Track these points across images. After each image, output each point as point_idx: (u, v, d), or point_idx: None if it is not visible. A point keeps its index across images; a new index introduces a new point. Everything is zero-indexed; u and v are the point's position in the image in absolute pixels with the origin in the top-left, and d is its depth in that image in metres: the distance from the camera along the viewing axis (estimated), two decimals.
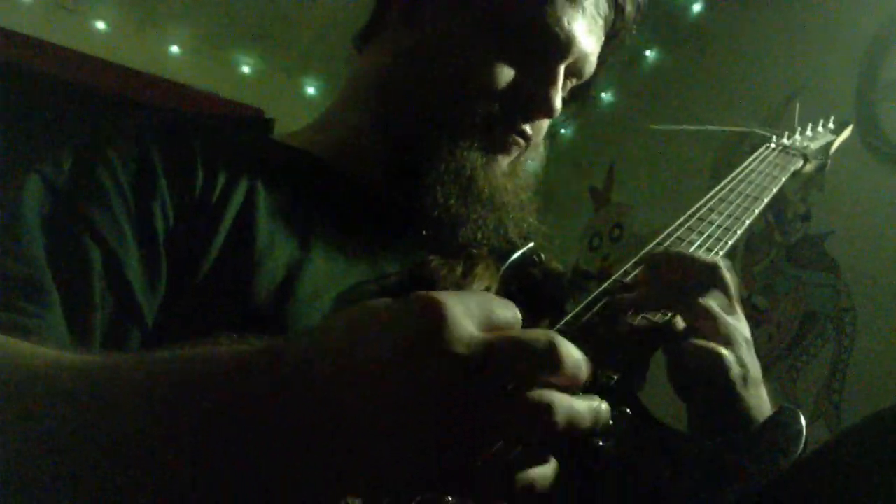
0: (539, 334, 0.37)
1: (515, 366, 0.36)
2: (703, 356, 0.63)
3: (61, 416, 0.41)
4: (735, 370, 0.64)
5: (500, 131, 0.77)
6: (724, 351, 0.63)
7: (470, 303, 0.38)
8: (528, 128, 0.78)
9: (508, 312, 0.39)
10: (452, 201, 0.74)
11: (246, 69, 2.86)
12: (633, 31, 0.83)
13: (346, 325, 0.38)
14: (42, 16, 2.55)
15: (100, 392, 0.41)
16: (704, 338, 0.64)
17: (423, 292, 0.38)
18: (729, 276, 0.68)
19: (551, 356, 0.37)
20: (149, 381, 0.41)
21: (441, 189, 0.74)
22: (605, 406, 0.40)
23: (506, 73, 0.75)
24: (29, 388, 0.43)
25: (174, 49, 2.75)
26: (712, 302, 0.65)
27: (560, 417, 0.36)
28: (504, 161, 0.79)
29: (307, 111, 2.83)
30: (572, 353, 0.38)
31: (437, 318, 0.36)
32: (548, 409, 0.36)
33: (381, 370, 0.36)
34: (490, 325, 0.38)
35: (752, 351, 0.67)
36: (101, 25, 2.65)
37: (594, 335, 0.60)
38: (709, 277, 0.67)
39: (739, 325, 0.66)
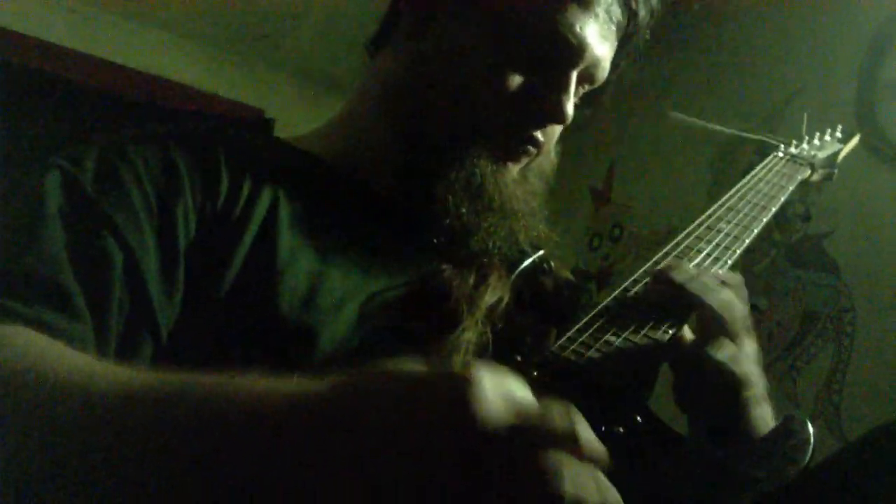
0: (557, 413, 0.38)
1: (535, 442, 0.37)
2: (717, 374, 0.63)
3: (100, 436, 0.41)
4: (746, 390, 0.65)
5: (510, 139, 0.76)
6: (737, 370, 0.64)
7: (495, 377, 0.38)
8: (539, 135, 0.77)
9: (524, 392, 0.40)
10: (464, 210, 0.74)
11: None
12: (647, 36, 0.82)
13: (382, 390, 0.39)
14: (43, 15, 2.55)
15: (142, 418, 0.42)
16: (716, 354, 0.64)
17: (458, 368, 0.39)
18: (743, 293, 0.69)
19: (568, 436, 0.38)
20: (194, 412, 0.41)
21: (452, 198, 0.74)
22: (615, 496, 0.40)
23: (516, 80, 0.74)
24: (68, 405, 0.43)
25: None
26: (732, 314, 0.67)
27: (568, 488, 0.36)
28: (514, 168, 0.78)
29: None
30: (587, 432, 0.38)
31: (468, 386, 0.37)
32: (559, 478, 0.36)
33: (412, 430, 0.37)
34: (510, 402, 0.38)
35: (761, 368, 0.68)
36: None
37: (597, 354, 0.61)
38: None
39: (751, 342, 0.67)
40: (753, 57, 2.24)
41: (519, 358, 0.56)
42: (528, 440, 0.37)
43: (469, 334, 0.66)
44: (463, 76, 0.75)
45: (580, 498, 0.37)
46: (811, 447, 0.55)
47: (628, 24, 0.78)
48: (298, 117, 2.69)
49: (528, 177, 0.80)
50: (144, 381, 0.44)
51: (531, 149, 0.78)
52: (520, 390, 0.40)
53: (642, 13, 0.79)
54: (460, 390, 0.37)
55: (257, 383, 0.42)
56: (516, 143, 0.77)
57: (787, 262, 1.96)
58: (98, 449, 0.41)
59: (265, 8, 2.66)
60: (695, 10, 2.45)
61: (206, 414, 0.41)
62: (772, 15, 2.22)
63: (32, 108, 2.30)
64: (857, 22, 1.97)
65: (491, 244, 0.75)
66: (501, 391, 0.38)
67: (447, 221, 0.74)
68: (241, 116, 2.70)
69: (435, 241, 0.75)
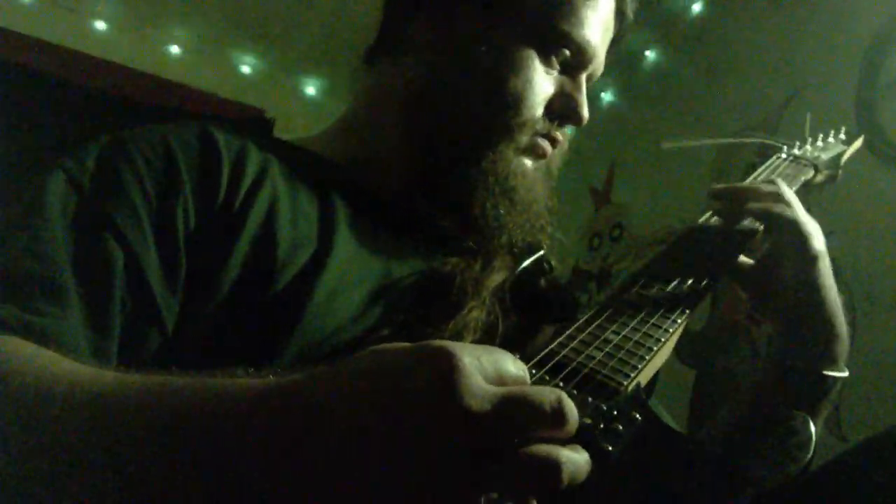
0: (547, 392, 0.38)
1: (524, 423, 0.37)
2: (803, 241, 0.81)
3: (71, 440, 0.42)
4: (823, 259, 0.82)
5: (538, 138, 0.80)
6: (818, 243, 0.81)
7: (482, 356, 0.38)
8: (558, 134, 0.82)
9: (517, 368, 0.40)
10: (502, 209, 0.77)
11: (246, 69, 2.86)
12: (629, 36, 0.88)
13: (360, 373, 0.39)
14: (42, 15, 2.55)
15: (110, 420, 0.42)
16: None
17: (439, 342, 0.38)
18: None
19: (558, 415, 0.38)
20: (160, 412, 0.41)
21: (490, 196, 0.77)
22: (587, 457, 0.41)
23: (548, 84, 0.79)
24: (42, 409, 0.43)
25: (174, 49, 2.75)
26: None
27: (566, 475, 0.37)
28: (536, 167, 0.82)
29: (308, 111, 2.84)
30: (575, 411, 0.39)
31: (449, 371, 0.36)
32: (556, 467, 0.37)
33: (392, 420, 0.36)
34: (500, 380, 0.39)
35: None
36: (100, 25, 2.65)
37: (596, 352, 0.60)
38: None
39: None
40: (753, 57, 2.24)
41: (517, 356, 0.56)
42: (518, 422, 0.37)
43: (476, 313, 0.68)
44: (506, 81, 0.78)
45: (575, 480, 0.38)
46: (813, 446, 0.54)
47: (620, 27, 0.85)
48: (299, 117, 2.69)
49: (548, 175, 0.84)
50: (121, 390, 0.44)
51: (550, 148, 0.82)
52: (510, 364, 0.40)
53: (630, 18, 0.86)
54: (440, 365, 0.36)
55: (225, 383, 0.42)
56: (542, 142, 0.81)
57: None
58: (71, 457, 0.41)
59: (267, 8, 2.67)
60: (695, 10, 2.46)
61: (174, 422, 0.41)
62: (772, 15, 2.22)
63: (32, 108, 2.30)
64: (857, 22, 1.97)
65: (514, 240, 0.79)
66: (487, 365, 0.38)
67: (481, 220, 0.77)
68: (241, 116, 2.70)
69: (450, 235, 0.77)
